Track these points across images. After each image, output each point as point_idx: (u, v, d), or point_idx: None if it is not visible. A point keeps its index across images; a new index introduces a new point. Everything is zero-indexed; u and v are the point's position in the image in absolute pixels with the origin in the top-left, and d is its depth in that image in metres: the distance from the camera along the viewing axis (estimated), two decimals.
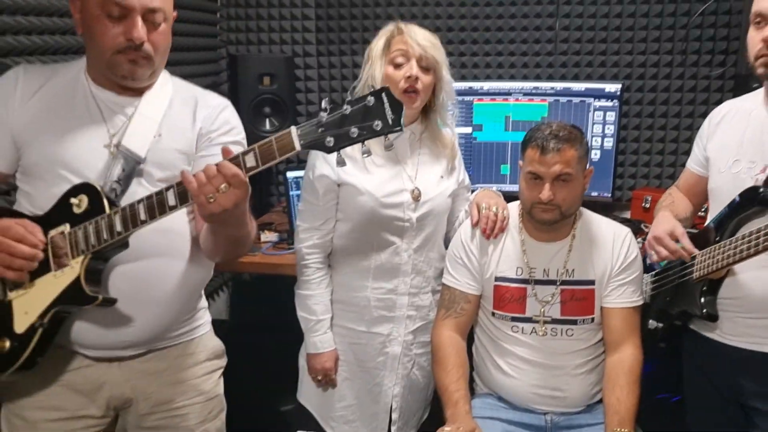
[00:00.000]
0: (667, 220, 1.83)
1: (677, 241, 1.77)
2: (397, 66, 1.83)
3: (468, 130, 2.78)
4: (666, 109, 2.93)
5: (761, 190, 1.63)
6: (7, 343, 1.44)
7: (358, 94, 1.72)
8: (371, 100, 1.24)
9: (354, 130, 1.25)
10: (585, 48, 2.93)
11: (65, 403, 1.54)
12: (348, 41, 3.08)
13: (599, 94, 2.68)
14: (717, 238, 1.72)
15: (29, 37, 1.96)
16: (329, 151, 1.27)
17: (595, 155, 2.71)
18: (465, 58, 3.01)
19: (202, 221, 1.52)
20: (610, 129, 2.70)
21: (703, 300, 1.74)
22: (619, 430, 1.63)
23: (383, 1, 3.01)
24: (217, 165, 1.30)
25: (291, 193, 2.50)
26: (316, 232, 1.94)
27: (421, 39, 1.84)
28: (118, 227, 1.38)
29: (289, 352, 2.13)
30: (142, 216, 1.36)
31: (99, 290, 1.44)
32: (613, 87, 2.67)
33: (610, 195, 2.76)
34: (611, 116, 2.68)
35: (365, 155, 1.31)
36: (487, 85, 2.78)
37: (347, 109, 1.25)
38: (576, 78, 2.94)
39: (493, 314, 1.90)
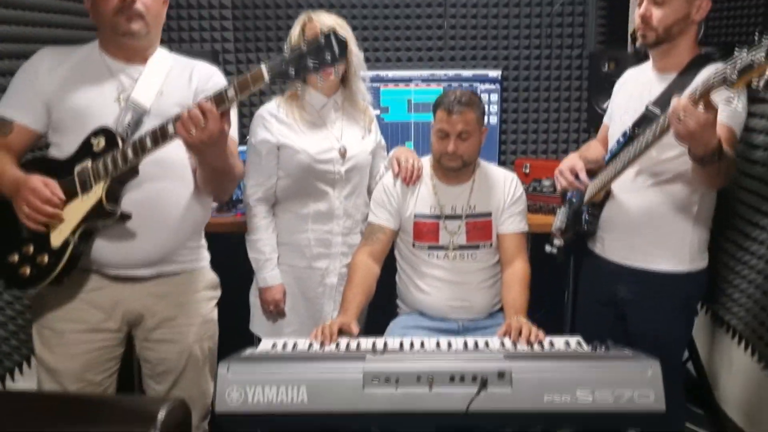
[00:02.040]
0: (572, 159, 2.22)
1: (577, 175, 2.16)
2: None
3: (377, 112, 3.14)
4: (538, 88, 3.38)
5: (627, 131, 2.01)
6: (46, 258, 1.72)
7: None
8: (323, 40, 1.56)
9: (310, 63, 1.58)
10: (470, 36, 3.35)
11: (88, 317, 1.82)
12: (263, 39, 3.39)
13: (484, 79, 3.12)
14: None
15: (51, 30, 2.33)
16: (291, 78, 1.59)
17: None
18: (372, 49, 3.36)
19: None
20: (494, 108, 3.14)
21: (586, 217, 2.14)
22: (516, 317, 2.00)
23: (293, 3, 3.37)
24: (198, 104, 1.60)
25: None
26: (261, 187, 2.25)
27: (329, 21, 2.17)
28: (130, 155, 1.67)
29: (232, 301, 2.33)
30: (149, 144, 1.66)
31: (117, 207, 1.73)
32: (494, 73, 3.13)
33: (495, 163, 3.20)
34: (494, 97, 3.13)
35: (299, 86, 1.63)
36: (391, 73, 3.17)
37: (304, 47, 1.58)
38: (465, 65, 3.35)
39: (413, 245, 2.27)
